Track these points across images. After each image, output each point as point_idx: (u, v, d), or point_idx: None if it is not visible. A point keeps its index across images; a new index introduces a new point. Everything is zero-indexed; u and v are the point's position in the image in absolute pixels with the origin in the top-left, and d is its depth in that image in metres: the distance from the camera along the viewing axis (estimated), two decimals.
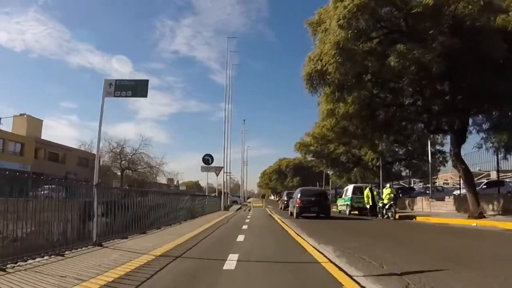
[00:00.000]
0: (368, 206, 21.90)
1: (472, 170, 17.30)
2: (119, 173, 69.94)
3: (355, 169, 30.24)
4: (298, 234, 10.53)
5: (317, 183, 72.41)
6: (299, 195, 20.10)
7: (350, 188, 25.16)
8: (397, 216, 18.89)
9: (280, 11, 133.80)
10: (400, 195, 25.00)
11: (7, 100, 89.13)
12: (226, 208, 29.22)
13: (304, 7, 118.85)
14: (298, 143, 33.49)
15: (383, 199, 20.25)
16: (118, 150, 67.83)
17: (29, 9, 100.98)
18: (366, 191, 22.14)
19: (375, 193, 22.22)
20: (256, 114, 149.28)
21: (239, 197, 61.69)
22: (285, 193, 36.06)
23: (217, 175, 26.38)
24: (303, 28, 16.83)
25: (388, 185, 21.29)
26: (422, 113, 17.90)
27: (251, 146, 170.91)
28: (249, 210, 30.63)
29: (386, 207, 19.75)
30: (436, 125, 17.90)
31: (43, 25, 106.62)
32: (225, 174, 28.08)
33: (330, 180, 71.81)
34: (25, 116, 51.31)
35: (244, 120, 59.98)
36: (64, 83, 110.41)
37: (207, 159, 24.01)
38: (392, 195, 19.68)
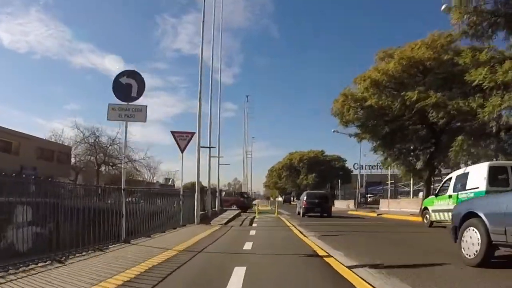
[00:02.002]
0: None
1: None
2: (101, 169, 56.38)
3: (458, 137, 15.63)
4: None
5: (339, 181, 58.31)
6: (305, 197, 22.62)
7: (478, 171, 11.04)
8: None
9: (284, 5, 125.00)
10: None
11: (12, 102, 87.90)
12: (207, 218, 15.11)
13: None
14: (342, 95, 19.41)
15: None
16: (92, 141, 54.20)
17: (30, 8, 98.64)
18: None
19: None
20: (262, 113, 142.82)
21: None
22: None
23: (182, 149, 12.47)
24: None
25: None
26: None
27: (257, 147, 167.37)
28: (251, 220, 16.58)
29: None
30: None
31: (45, 26, 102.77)
32: (200, 149, 13.77)
33: (362, 177, 57.63)
34: None
35: (247, 97, 46.30)
36: (68, 84, 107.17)
37: (127, 86, 8.04)
38: None
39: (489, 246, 4.87)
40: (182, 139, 12.97)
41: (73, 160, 55.24)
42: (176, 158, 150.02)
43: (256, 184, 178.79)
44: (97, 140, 53.97)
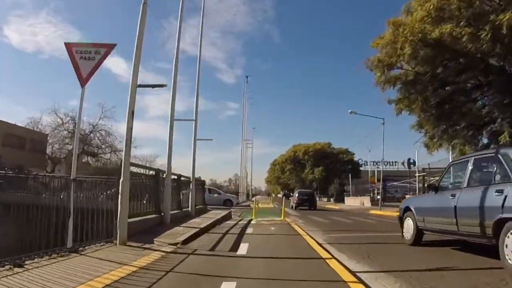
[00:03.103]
0: None
1: None
2: (83, 160, 49.04)
3: None
4: None
5: (349, 176, 50.86)
6: (297, 195, 29.13)
7: None
8: None
9: (285, 11, 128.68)
10: None
11: (18, 99, 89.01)
12: (162, 227, 8.09)
13: (308, 6, 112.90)
14: (391, 25, 11.84)
15: None
16: (70, 127, 46.79)
17: (41, 12, 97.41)
18: None
19: None
20: (263, 113, 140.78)
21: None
22: None
23: (84, 80, 5.48)
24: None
25: None
26: None
27: (258, 144, 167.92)
28: (241, 232, 9.25)
29: None
30: None
31: (54, 27, 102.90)
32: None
33: (372, 172, 50.19)
34: None
35: (247, 77, 39.45)
36: (75, 83, 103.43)
37: None
38: None
39: (417, 230, 6.87)
40: (86, 57, 5.76)
41: (50, 149, 47.96)
42: (180, 154, 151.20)
43: (258, 181, 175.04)
44: (76, 126, 46.75)
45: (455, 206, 5.46)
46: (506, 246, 4.36)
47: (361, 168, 58.62)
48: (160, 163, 79.00)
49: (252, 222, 12.62)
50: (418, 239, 6.90)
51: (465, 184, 5.60)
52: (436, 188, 6.54)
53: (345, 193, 50.24)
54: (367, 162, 60.73)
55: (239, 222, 12.21)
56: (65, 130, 46.88)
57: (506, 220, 4.43)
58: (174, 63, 9.65)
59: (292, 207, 27.87)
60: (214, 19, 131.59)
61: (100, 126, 46.89)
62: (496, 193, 4.70)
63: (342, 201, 45.50)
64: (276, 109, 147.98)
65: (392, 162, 58.60)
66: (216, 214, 13.81)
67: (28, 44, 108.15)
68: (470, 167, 5.60)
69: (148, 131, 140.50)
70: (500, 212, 4.51)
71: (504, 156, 4.91)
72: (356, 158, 59.56)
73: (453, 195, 5.63)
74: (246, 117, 44.89)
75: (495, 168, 5.19)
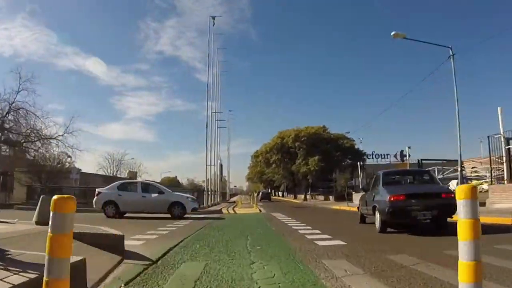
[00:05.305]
0: None
1: None
2: (6, 151, 35.40)
3: None
4: None
5: (358, 165, 39.23)
6: (260, 194, 53.89)
7: None
8: None
9: (261, 10, 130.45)
10: None
11: None
12: None
13: (285, 7, 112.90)
14: None
15: None
16: None
17: (16, 15, 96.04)
18: None
19: None
20: (242, 112, 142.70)
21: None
22: None
23: None
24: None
25: None
26: None
27: (237, 143, 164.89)
28: None
29: None
30: None
31: (30, 31, 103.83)
32: None
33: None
34: None
35: (213, 18, 27.51)
36: (52, 85, 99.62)
37: None
38: None
39: (361, 215, 12.03)
40: None
41: None
42: (159, 156, 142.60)
43: (239, 181, 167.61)
44: None
45: (366, 200, 11.11)
46: (376, 219, 9.40)
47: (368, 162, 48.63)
48: (131, 162, 68.45)
49: None
50: (363, 220, 11.96)
51: (370, 189, 11.04)
52: (365, 190, 12.16)
53: (350, 189, 38.92)
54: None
55: None
56: None
57: (371, 205, 9.92)
58: None
59: (259, 199, 40.14)
60: (190, 19, 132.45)
61: (18, 104, 33.06)
62: (373, 193, 10.11)
63: (350, 199, 34.14)
64: (256, 106, 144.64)
65: (384, 155, 53.58)
66: None
67: (4, 48, 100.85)
68: (374, 180, 11.00)
69: (127, 132, 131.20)
70: (373, 203, 9.78)
71: (378, 175, 10.52)
72: (356, 146, 48.29)
73: (366, 194, 11.50)
74: (214, 67, 32.85)
75: (378, 181, 10.26)
